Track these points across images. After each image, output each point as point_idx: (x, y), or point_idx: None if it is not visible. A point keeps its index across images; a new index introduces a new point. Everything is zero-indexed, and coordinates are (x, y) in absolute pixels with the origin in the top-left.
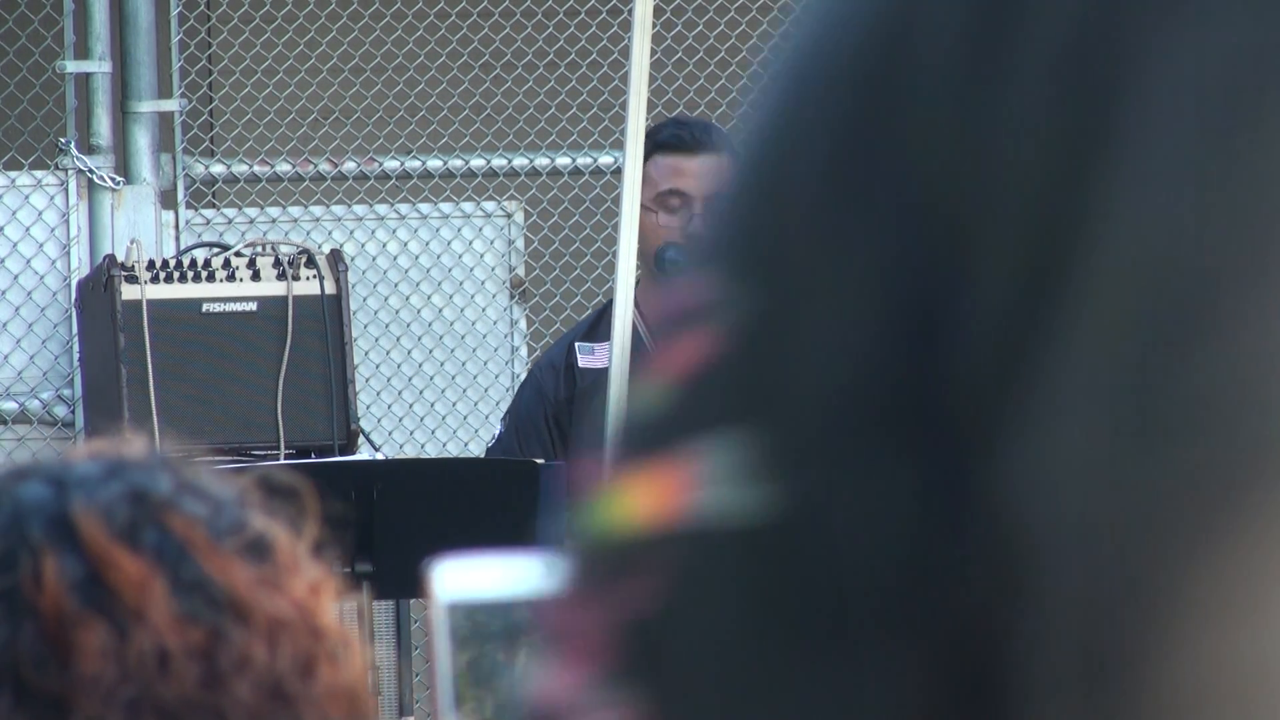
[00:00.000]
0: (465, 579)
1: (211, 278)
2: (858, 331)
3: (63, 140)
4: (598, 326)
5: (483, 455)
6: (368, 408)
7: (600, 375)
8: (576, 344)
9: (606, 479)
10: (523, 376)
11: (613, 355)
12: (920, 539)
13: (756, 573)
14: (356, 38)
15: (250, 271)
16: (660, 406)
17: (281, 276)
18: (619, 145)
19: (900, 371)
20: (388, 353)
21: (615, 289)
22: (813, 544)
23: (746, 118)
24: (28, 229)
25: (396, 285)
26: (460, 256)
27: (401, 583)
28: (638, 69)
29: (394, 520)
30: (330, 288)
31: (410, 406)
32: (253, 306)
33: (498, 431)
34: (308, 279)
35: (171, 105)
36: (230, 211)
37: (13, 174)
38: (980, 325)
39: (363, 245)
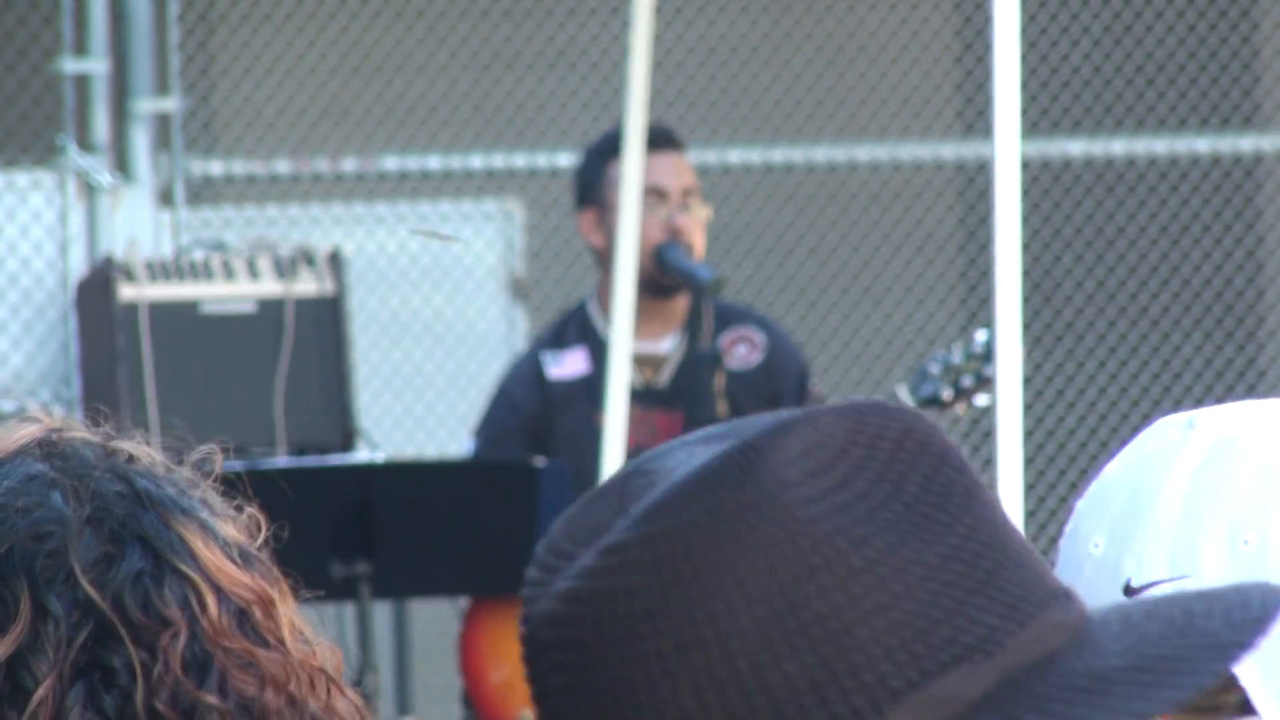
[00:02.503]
0: None
1: (210, 278)
2: None
3: (61, 139)
4: (561, 335)
5: None
6: (368, 408)
7: (570, 386)
8: (544, 354)
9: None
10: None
11: (612, 356)
12: None
13: None
14: (356, 37)
15: (249, 271)
16: None
17: (281, 276)
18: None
19: None
20: (388, 353)
21: (615, 288)
22: None
23: None
24: (25, 229)
25: (396, 285)
26: (460, 256)
27: (401, 583)
28: (638, 69)
29: (394, 520)
30: (330, 288)
31: (410, 406)
32: (251, 306)
33: (469, 448)
34: (307, 279)
35: (170, 104)
36: (229, 211)
37: (11, 173)
38: None
39: (363, 245)
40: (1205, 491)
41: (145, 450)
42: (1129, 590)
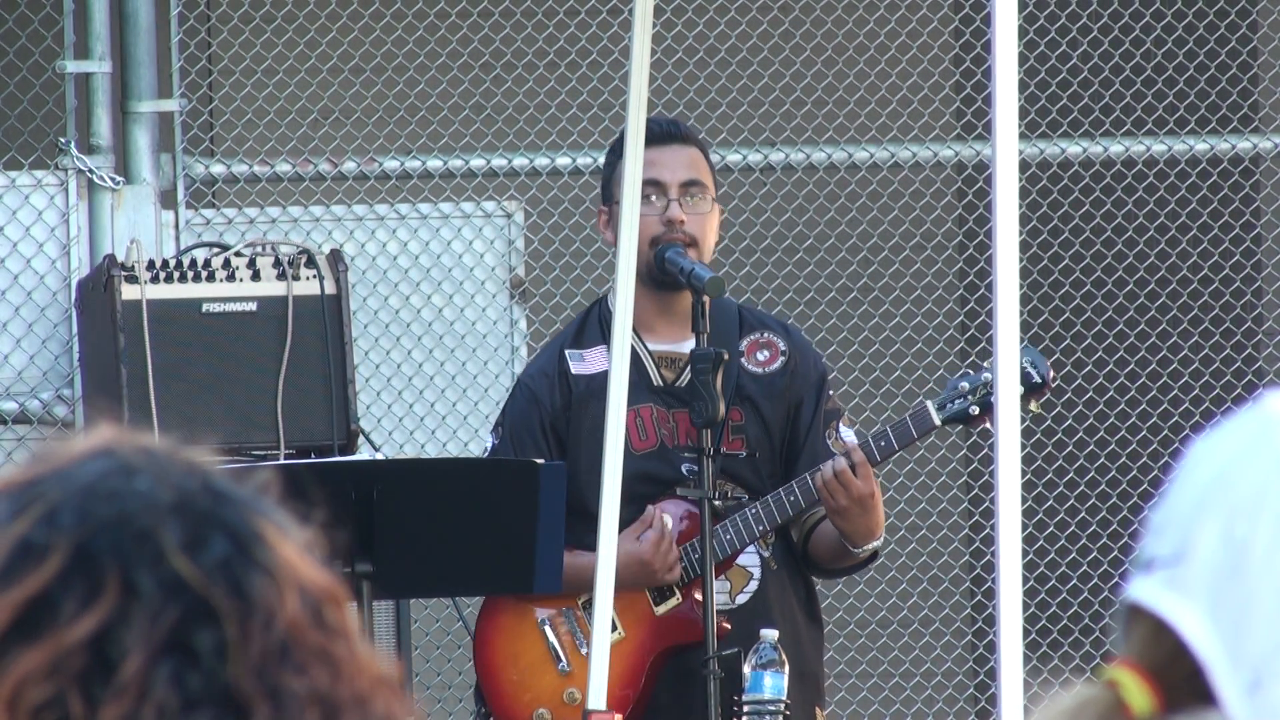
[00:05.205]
0: None
1: (211, 278)
2: None
3: (63, 140)
4: (583, 332)
5: None
6: (368, 408)
7: (593, 381)
8: (566, 351)
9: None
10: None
11: (612, 355)
12: None
13: None
14: (356, 38)
15: (250, 271)
16: None
17: (281, 276)
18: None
19: None
20: (388, 353)
21: (616, 289)
22: None
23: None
24: (28, 229)
25: (396, 285)
26: (460, 256)
27: (401, 583)
28: (638, 69)
29: (394, 520)
30: (330, 288)
31: (410, 406)
32: (253, 306)
33: (490, 444)
34: (308, 279)
35: (171, 105)
36: (230, 211)
37: (13, 174)
38: None
39: (363, 245)
40: (1225, 475)
41: (208, 459)
42: (1146, 562)
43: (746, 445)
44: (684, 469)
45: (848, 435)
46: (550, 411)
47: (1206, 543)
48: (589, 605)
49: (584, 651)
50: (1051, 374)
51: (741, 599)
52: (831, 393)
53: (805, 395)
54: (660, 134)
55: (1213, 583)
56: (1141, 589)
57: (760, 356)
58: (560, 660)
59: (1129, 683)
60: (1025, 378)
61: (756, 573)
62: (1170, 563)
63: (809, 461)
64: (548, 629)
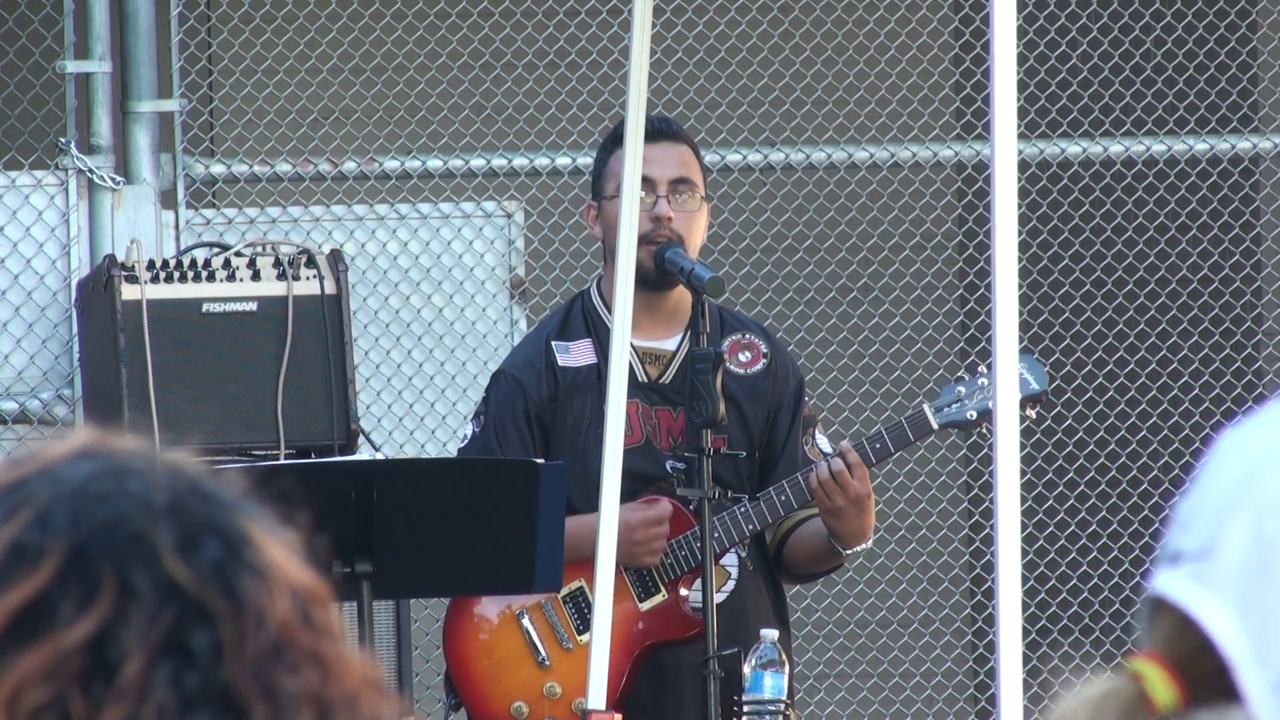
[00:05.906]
0: None
1: (211, 278)
2: None
3: (63, 140)
4: (568, 324)
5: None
6: (368, 408)
7: (578, 374)
8: (553, 343)
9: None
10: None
11: (612, 353)
12: None
13: None
14: (356, 38)
15: (250, 271)
16: None
17: (281, 276)
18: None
19: None
20: (388, 353)
21: (616, 288)
22: None
23: None
24: (28, 229)
25: (396, 285)
26: (460, 256)
27: (401, 583)
28: (637, 69)
29: (394, 520)
30: (330, 288)
31: (410, 406)
32: (253, 306)
33: (470, 432)
34: (308, 279)
35: (171, 105)
36: (230, 211)
37: (13, 174)
38: None
39: (363, 245)
40: (1256, 471)
41: (192, 460)
42: (1172, 556)
43: (729, 444)
44: (668, 465)
45: (823, 442)
46: (537, 402)
47: (1235, 539)
48: (570, 599)
49: (565, 645)
50: (1048, 379)
51: (719, 598)
52: (806, 399)
53: (784, 400)
54: (651, 131)
55: (1241, 580)
56: (1168, 582)
57: (742, 357)
58: (539, 653)
59: (1153, 676)
60: (1022, 385)
61: (734, 573)
62: (1198, 557)
63: (787, 467)
64: (525, 621)
